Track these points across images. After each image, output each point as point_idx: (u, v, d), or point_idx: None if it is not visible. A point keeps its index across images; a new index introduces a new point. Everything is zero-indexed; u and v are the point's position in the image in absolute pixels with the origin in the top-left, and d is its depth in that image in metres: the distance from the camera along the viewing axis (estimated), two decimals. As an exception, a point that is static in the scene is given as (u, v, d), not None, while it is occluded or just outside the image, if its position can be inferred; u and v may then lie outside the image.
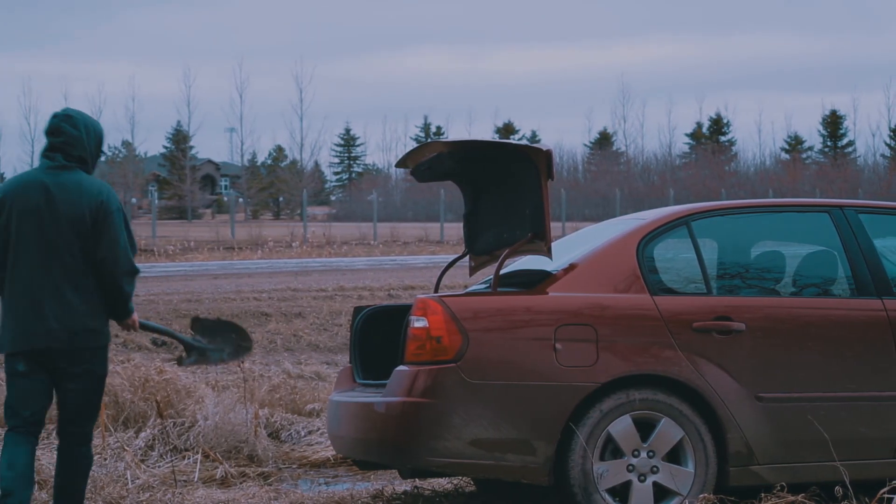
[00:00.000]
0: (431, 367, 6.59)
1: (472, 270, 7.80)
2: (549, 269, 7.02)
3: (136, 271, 6.37)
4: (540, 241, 6.90)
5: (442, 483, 8.06)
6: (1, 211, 6.28)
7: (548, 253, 6.88)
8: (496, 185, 7.39)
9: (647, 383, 6.71)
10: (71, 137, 6.30)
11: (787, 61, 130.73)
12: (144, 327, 6.82)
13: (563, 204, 51.00)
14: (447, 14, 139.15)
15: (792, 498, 6.58)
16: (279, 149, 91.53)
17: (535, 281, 6.97)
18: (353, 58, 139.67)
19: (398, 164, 7.68)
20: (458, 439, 6.56)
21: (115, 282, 6.30)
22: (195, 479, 8.39)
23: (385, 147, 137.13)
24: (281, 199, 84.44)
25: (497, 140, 7.32)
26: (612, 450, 6.68)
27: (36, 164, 6.49)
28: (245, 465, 8.71)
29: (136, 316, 6.52)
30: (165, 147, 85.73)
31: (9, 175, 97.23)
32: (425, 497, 7.76)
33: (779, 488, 6.65)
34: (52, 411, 6.53)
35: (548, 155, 6.76)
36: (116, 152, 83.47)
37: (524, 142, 7.21)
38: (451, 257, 8.35)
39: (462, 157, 7.31)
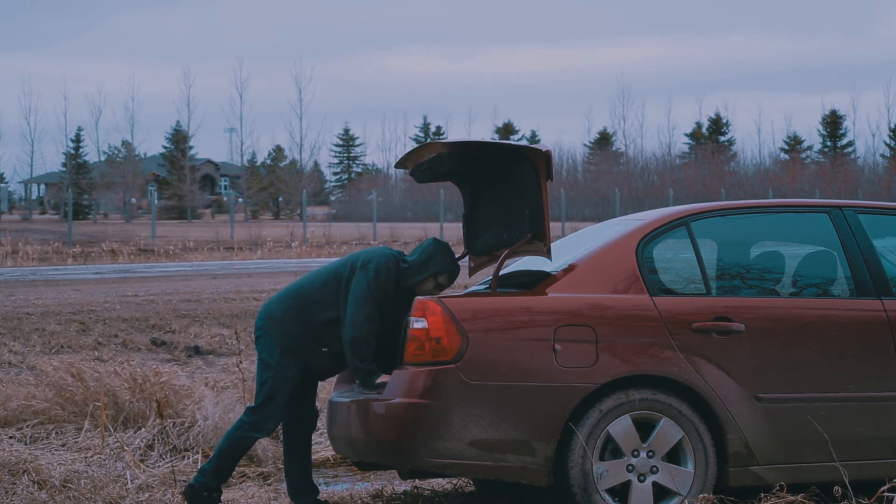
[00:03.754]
0: (431, 367, 6.60)
1: (472, 271, 7.80)
2: (548, 269, 7.02)
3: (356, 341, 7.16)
4: (539, 241, 6.90)
5: (441, 483, 8.06)
6: None
7: (547, 253, 6.89)
8: (495, 185, 7.40)
9: (646, 384, 6.71)
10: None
11: (786, 61, 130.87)
12: None
13: (562, 204, 50.97)
14: (447, 14, 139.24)
15: (791, 498, 6.58)
16: (279, 149, 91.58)
17: (535, 281, 6.98)
18: (353, 57, 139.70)
19: (398, 165, 7.68)
20: (457, 440, 6.57)
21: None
22: (195, 480, 8.39)
23: (384, 147, 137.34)
24: (280, 199, 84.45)
25: (496, 141, 7.32)
26: (611, 450, 6.69)
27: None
28: (245, 465, 8.71)
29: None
30: (165, 147, 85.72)
31: (8, 175, 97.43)
32: (425, 497, 7.77)
33: (778, 488, 6.66)
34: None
35: (547, 155, 6.77)
36: (116, 152, 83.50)
37: (524, 142, 7.20)
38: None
39: (462, 157, 7.31)
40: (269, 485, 8.33)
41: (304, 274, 7.59)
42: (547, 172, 6.78)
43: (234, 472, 8.52)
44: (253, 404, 7.32)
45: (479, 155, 7.30)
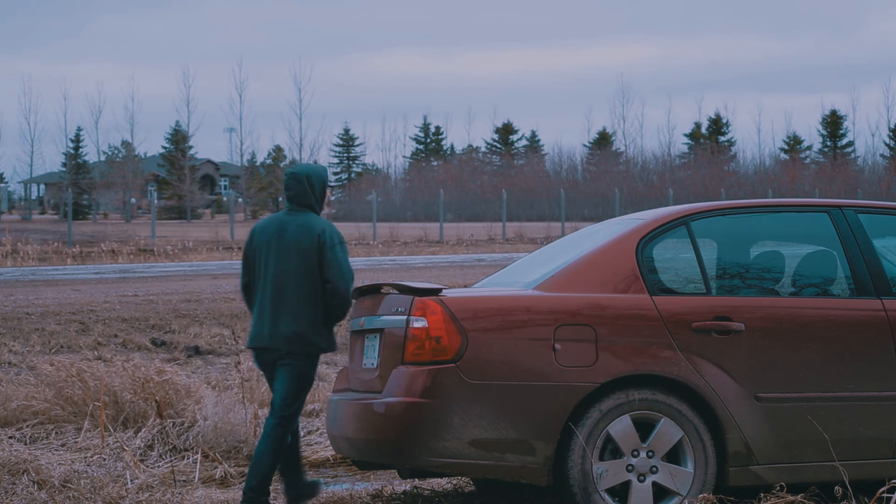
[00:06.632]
0: (431, 367, 6.60)
1: None
2: (548, 269, 7.02)
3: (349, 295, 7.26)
4: None
5: (441, 483, 8.06)
6: (251, 241, 7.48)
7: None
8: None
9: (646, 383, 6.71)
10: (297, 191, 7.40)
11: (786, 61, 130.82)
12: None
13: (562, 204, 50.96)
14: (447, 14, 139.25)
15: (791, 498, 6.58)
16: (278, 149, 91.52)
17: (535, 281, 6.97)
18: (352, 58, 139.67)
19: None
20: (457, 439, 6.57)
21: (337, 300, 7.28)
22: (195, 479, 8.40)
23: (384, 147, 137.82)
24: (280, 199, 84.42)
25: None
26: (611, 450, 6.69)
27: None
28: (244, 465, 8.71)
29: None
30: (165, 147, 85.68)
31: (8, 175, 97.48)
32: (424, 497, 7.77)
33: (778, 488, 6.65)
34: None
35: None
36: (116, 152, 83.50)
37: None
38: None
39: None
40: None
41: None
42: None
43: (236, 473, 8.53)
44: (285, 413, 7.23)
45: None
